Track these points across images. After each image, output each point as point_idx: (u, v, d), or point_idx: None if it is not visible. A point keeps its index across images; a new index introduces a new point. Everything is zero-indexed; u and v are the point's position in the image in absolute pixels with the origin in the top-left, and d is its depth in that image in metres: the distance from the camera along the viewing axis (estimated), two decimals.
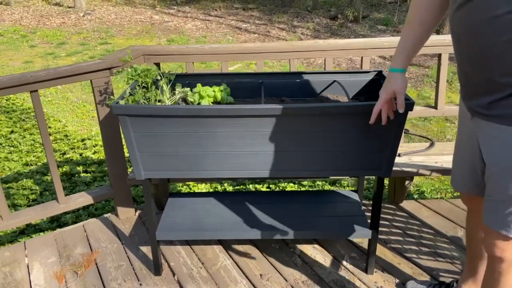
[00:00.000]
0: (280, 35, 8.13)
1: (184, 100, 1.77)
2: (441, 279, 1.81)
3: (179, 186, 3.08)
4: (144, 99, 1.63)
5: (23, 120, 4.51)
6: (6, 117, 4.58)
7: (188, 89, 1.75)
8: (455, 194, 2.82)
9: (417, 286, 1.71)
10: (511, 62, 1.01)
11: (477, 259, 1.51)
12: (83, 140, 3.98)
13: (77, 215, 2.72)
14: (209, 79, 1.89)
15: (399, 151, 2.17)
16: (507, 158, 1.09)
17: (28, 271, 1.95)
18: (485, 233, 1.22)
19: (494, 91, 1.07)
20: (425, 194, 2.82)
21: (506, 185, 1.11)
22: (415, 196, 2.80)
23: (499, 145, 1.11)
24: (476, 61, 1.09)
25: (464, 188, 1.40)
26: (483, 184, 1.26)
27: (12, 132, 4.18)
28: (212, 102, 1.74)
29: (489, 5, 1.00)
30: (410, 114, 1.55)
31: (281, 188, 2.98)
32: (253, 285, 1.82)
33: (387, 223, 2.21)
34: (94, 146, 3.83)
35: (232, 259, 1.98)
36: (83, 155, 3.65)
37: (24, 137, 4.06)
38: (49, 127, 4.31)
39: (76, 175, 3.26)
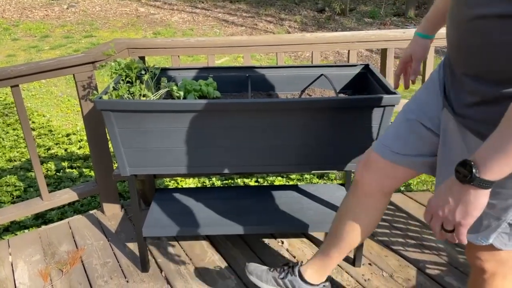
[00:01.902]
0: (267, 27, 8.09)
1: (170, 94, 1.74)
2: (427, 271, 1.83)
3: (167, 181, 3.05)
4: (128, 94, 1.60)
5: (6, 115, 4.41)
6: None
7: (174, 83, 1.72)
8: None
9: (257, 268, 1.59)
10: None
11: (341, 241, 1.41)
12: (68, 135, 3.92)
13: (62, 212, 2.67)
14: (195, 73, 1.86)
15: None
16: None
17: (12, 270, 1.92)
18: (468, 244, 1.13)
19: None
20: (411, 187, 2.84)
21: None
22: (402, 189, 2.82)
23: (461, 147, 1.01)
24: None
25: (406, 159, 1.20)
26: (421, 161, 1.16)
27: None
28: (198, 97, 1.72)
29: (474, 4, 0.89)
30: (397, 107, 1.55)
31: (269, 182, 2.97)
32: (241, 280, 1.81)
33: None
34: (79, 141, 3.77)
35: (220, 254, 1.97)
36: (68, 150, 3.59)
37: (7, 132, 3.97)
38: (33, 122, 4.23)
39: (61, 170, 3.21)
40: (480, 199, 0.81)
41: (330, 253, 1.46)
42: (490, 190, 0.80)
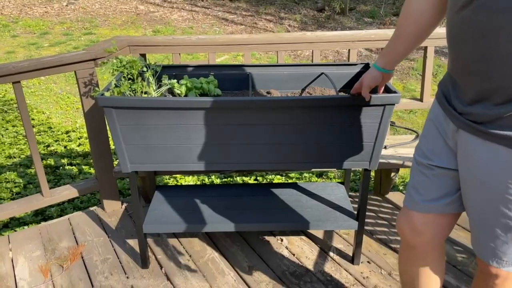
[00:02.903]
0: (267, 26, 8.09)
1: (171, 92, 1.75)
2: None
3: (166, 179, 3.06)
4: (130, 91, 1.60)
5: (6, 111, 4.41)
6: None
7: (175, 81, 1.73)
8: None
9: None
10: None
11: None
12: (67, 132, 3.92)
13: (62, 208, 2.68)
14: (196, 70, 1.87)
15: (385, 144, 2.19)
16: (506, 184, 0.96)
17: (13, 265, 1.92)
18: (484, 272, 1.12)
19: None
20: None
21: (500, 210, 0.98)
22: (400, 188, 2.84)
23: (502, 168, 0.96)
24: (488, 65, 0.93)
25: (438, 208, 1.17)
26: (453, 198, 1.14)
27: None
28: (199, 94, 1.73)
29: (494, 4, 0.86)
30: (396, 107, 1.56)
31: (268, 180, 2.98)
32: (241, 277, 1.82)
33: (373, 214, 2.24)
34: (79, 139, 3.77)
35: (220, 251, 1.98)
36: (68, 147, 3.59)
37: (7, 129, 3.97)
38: (32, 119, 4.23)
39: (61, 167, 3.21)
40: None
41: None
42: None
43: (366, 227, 2.11)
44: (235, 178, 3.04)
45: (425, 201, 1.17)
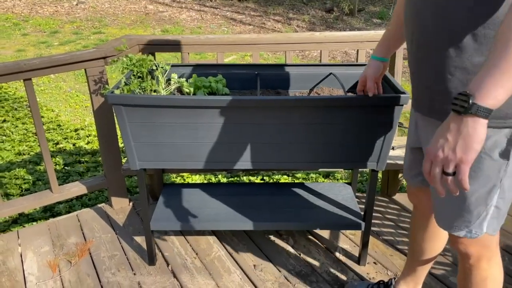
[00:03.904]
0: (275, 27, 8.10)
1: (180, 90, 1.76)
2: (432, 270, 1.83)
3: (173, 177, 3.07)
4: (139, 89, 1.62)
5: (16, 109, 4.46)
6: None
7: (184, 79, 1.74)
8: None
9: (356, 287, 1.71)
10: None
11: (418, 256, 1.49)
12: (76, 130, 3.95)
13: (70, 205, 2.71)
14: (204, 69, 1.88)
15: (392, 144, 2.19)
16: None
17: (22, 260, 1.95)
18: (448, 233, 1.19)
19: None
20: None
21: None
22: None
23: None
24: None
25: (411, 180, 1.34)
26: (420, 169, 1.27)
27: (4, 121, 4.14)
28: (207, 93, 1.74)
29: None
30: (405, 108, 1.56)
31: (275, 180, 2.99)
32: (247, 276, 1.83)
33: (379, 215, 2.23)
34: (87, 136, 3.80)
35: (226, 249, 1.99)
36: (76, 145, 3.63)
37: (17, 126, 4.02)
38: (42, 117, 4.27)
39: (70, 165, 3.24)
40: (479, 129, 0.80)
41: (415, 268, 1.53)
42: (487, 121, 0.80)
43: (372, 228, 2.11)
44: (241, 178, 3.05)
45: (408, 177, 1.36)
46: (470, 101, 0.79)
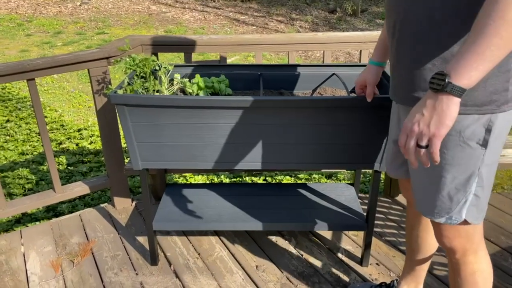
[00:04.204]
0: (278, 27, 8.10)
1: (183, 90, 1.77)
2: (435, 272, 1.83)
3: (176, 178, 3.08)
4: (142, 89, 1.62)
5: (19, 109, 4.48)
6: (1, 106, 4.55)
7: (187, 79, 1.75)
8: None
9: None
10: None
11: (415, 254, 1.50)
12: (79, 130, 3.96)
13: (73, 205, 2.71)
14: (207, 70, 1.88)
15: None
16: None
17: (24, 260, 1.95)
18: (432, 224, 1.22)
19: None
20: None
21: (425, 169, 1.10)
22: None
23: None
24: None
25: (394, 172, 1.36)
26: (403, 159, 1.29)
27: (7, 121, 4.16)
28: (210, 93, 1.74)
29: None
30: None
31: (277, 180, 2.98)
32: (249, 276, 1.83)
33: (382, 216, 2.23)
34: (90, 136, 3.81)
35: (228, 250, 1.99)
36: (80, 145, 3.64)
37: (20, 126, 4.03)
38: (45, 117, 4.29)
39: (72, 165, 3.25)
40: (452, 107, 0.87)
41: (414, 267, 1.53)
42: (460, 99, 0.87)
43: (375, 229, 2.10)
44: (244, 178, 3.05)
45: (391, 169, 1.36)
46: (446, 80, 0.85)
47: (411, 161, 0.95)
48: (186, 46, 2.14)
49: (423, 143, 0.91)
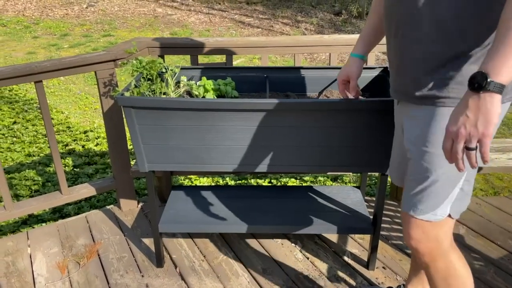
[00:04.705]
0: (283, 30, 8.10)
1: (189, 93, 1.77)
2: None
3: (181, 180, 3.08)
4: (149, 91, 1.63)
5: (26, 111, 4.51)
6: (8, 108, 4.58)
7: (193, 82, 1.75)
8: None
9: None
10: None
11: None
12: (85, 132, 3.98)
13: (79, 207, 2.72)
14: (214, 72, 1.88)
15: None
16: (422, 138, 1.09)
17: (31, 261, 1.96)
18: (402, 223, 1.21)
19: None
20: None
21: (419, 163, 1.11)
22: None
23: (415, 124, 1.12)
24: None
25: (399, 181, 1.35)
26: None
27: (14, 122, 4.19)
28: (216, 96, 1.74)
29: None
30: None
31: (282, 183, 2.98)
32: (255, 279, 1.82)
33: (388, 219, 2.21)
34: (96, 138, 3.83)
35: (234, 252, 1.99)
36: (86, 147, 3.65)
37: (27, 128, 4.06)
38: (52, 119, 4.30)
39: (78, 166, 3.27)
40: (496, 104, 0.87)
41: (420, 271, 1.52)
42: (501, 96, 0.87)
43: (381, 232, 2.09)
44: (249, 180, 3.05)
45: (395, 179, 1.37)
46: (488, 79, 0.85)
47: (458, 165, 0.93)
48: (192, 48, 2.15)
49: (473, 145, 0.89)
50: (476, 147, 0.90)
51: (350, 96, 1.42)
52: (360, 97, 1.47)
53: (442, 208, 1.11)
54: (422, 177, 1.11)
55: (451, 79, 1.03)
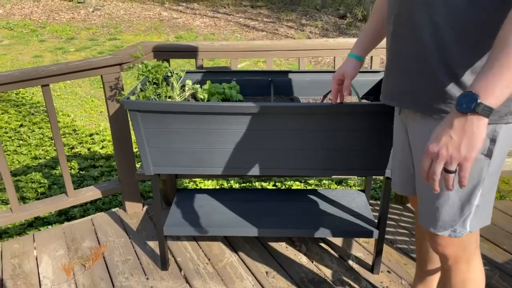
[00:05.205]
0: (288, 33, 8.12)
1: (194, 96, 1.78)
2: None
3: (186, 183, 3.09)
4: (154, 95, 1.64)
5: (32, 114, 4.54)
6: (15, 111, 4.62)
7: (198, 86, 1.76)
8: None
9: None
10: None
11: (426, 263, 1.49)
12: (91, 135, 4.01)
13: (84, 209, 2.74)
14: (218, 76, 1.89)
15: None
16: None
17: (37, 263, 1.97)
18: (425, 233, 1.22)
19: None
20: None
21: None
22: None
23: (423, 137, 1.07)
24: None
25: (401, 189, 1.33)
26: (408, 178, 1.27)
27: (21, 125, 4.22)
28: (221, 99, 1.75)
29: None
30: None
31: (287, 186, 2.98)
32: (259, 282, 1.82)
33: (393, 223, 2.21)
34: (102, 141, 3.85)
35: (238, 255, 1.99)
36: (91, 149, 3.68)
37: (33, 131, 4.09)
38: (58, 122, 4.33)
39: (84, 169, 3.29)
40: (482, 128, 0.82)
41: (425, 277, 1.52)
42: (488, 120, 0.82)
43: (386, 236, 2.09)
44: (254, 183, 3.05)
45: (396, 187, 1.36)
46: (478, 101, 0.80)
47: (433, 186, 0.89)
48: (197, 52, 2.16)
49: (453, 168, 0.85)
50: (456, 170, 0.86)
51: (344, 94, 1.39)
52: (364, 100, 1.46)
53: (460, 226, 1.08)
54: (435, 195, 1.08)
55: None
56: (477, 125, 0.82)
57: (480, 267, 1.19)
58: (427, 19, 0.98)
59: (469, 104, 0.81)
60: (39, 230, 2.51)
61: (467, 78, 0.97)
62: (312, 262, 1.94)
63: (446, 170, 0.87)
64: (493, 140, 0.99)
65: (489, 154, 1.00)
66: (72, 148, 3.73)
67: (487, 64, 0.82)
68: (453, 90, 0.99)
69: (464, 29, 0.94)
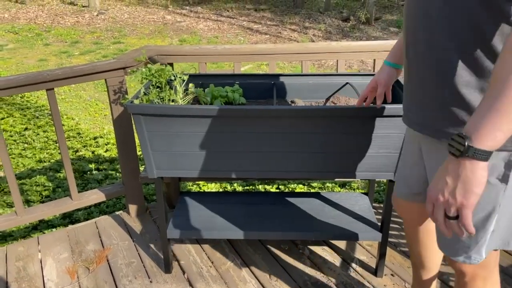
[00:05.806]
0: (291, 36, 8.14)
1: (197, 100, 1.79)
2: (451, 283, 1.80)
3: (189, 186, 3.10)
4: (158, 99, 1.65)
5: (37, 117, 4.57)
6: (20, 114, 4.66)
7: (201, 89, 1.77)
8: None
9: None
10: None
11: (419, 269, 1.48)
12: (95, 138, 4.03)
13: (88, 212, 2.75)
14: (221, 79, 1.90)
15: None
16: None
17: (41, 266, 1.98)
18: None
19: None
20: None
21: None
22: None
23: (437, 161, 1.02)
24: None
25: (407, 198, 1.31)
26: (420, 190, 1.24)
27: (26, 129, 4.25)
28: (224, 103, 1.75)
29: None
30: None
31: (290, 189, 2.98)
32: (262, 286, 1.82)
33: (397, 226, 2.20)
34: (106, 144, 3.87)
35: (242, 259, 1.99)
36: (95, 153, 3.69)
37: (38, 134, 4.12)
38: (62, 125, 4.36)
39: (88, 172, 3.30)
40: (478, 172, 0.76)
41: (422, 280, 1.51)
42: (487, 163, 0.76)
43: (390, 239, 2.08)
44: (257, 186, 3.05)
45: (401, 192, 1.34)
46: (466, 144, 0.75)
47: (442, 232, 0.84)
48: (200, 56, 2.17)
49: (452, 214, 0.81)
50: (458, 216, 0.81)
51: (377, 102, 1.37)
52: (371, 104, 1.46)
53: (475, 253, 1.04)
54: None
55: None
56: (471, 169, 0.76)
57: (497, 284, 1.15)
58: (430, 40, 0.96)
59: (459, 148, 0.76)
60: (44, 233, 2.52)
61: (474, 99, 0.93)
62: (315, 265, 1.94)
63: (447, 216, 0.82)
64: (508, 165, 0.93)
65: (504, 179, 0.95)
66: (77, 151, 3.75)
67: (481, 105, 0.76)
68: (461, 113, 0.95)
69: (469, 49, 0.90)
